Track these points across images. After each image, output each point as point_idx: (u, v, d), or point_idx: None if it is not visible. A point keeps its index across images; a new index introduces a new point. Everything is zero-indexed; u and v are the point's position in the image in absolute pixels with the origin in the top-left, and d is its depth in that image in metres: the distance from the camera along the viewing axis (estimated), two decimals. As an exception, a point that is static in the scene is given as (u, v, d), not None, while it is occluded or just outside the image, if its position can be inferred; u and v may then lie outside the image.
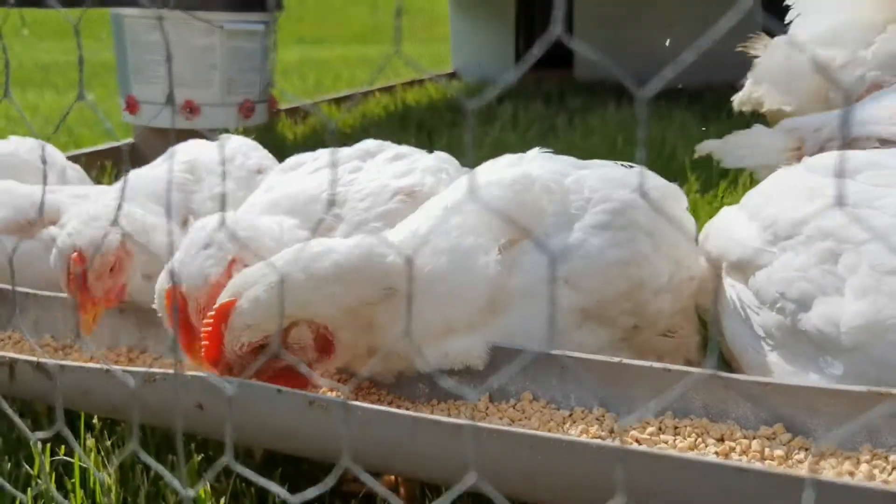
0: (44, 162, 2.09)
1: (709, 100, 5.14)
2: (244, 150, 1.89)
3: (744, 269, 1.29)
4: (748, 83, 2.58)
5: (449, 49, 7.51)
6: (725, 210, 1.49)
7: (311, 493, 0.57)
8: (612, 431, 1.02)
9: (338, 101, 5.36)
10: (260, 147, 1.95)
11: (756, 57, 2.48)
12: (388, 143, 1.68)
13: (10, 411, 0.86)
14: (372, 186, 1.49)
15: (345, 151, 1.64)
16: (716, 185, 3.02)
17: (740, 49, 2.57)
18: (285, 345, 1.09)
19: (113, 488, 1.30)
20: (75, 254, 1.45)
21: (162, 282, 1.31)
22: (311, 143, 4.22)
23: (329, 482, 0.57)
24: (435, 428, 0.87)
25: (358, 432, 0.91)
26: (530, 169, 1.29)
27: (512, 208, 1.22)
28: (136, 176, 1.77)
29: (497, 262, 1.18)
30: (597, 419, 1.04)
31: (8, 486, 1.17)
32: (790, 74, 2.32)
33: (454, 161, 1.68)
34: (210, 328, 1.09)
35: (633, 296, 1.20)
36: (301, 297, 1.08)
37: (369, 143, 1.66)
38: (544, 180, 1.26)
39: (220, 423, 1.07)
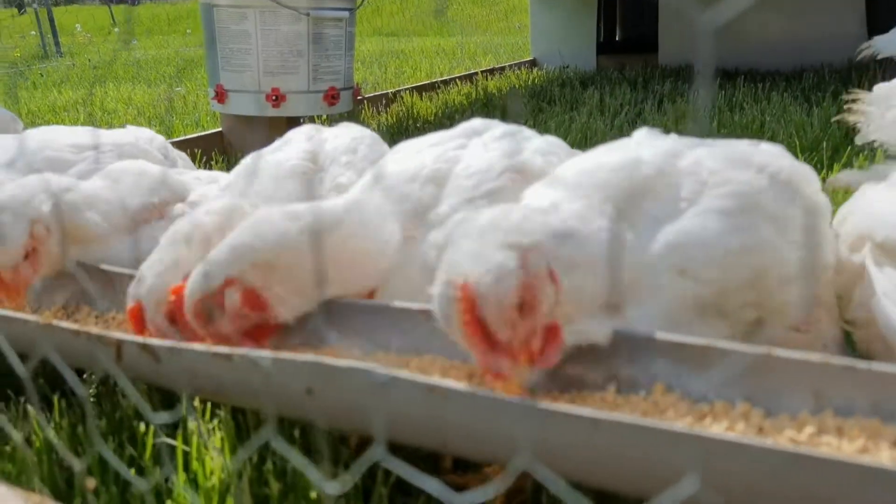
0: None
1: (808, 81, 4.87)
2: (368, 141, 1.77)
3: (892, 249, 1.16)
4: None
5: (526, 39, 7.39)
6: (867, 187, 1.36)
7: (477, 497, 0.49)
8: (760, 430, 0.92)
9: (419, 90, 5.33)
10: (381, 140, 1.83)
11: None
12: (494, 122, 1.60)
13: (136, 395, 0.82)
14: (479, 163, 1.41)
15: (450, 131, 1.57)
16: (828, 167, 2.82)
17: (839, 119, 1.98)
18: (222, 311, 1.22)
19: (216, 472, 1.27)
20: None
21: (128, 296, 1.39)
22: (395, 131, 4.20)
23: (501, 487, 0.49)
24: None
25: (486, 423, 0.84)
26: (640, 152, 1.19)
27: (619, 193, 1.13)
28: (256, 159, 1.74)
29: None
30: (741, 415, 0.94)
31: (114, 460, 1.15)
32: None
33: (564, 145, 1.58)
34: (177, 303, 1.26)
35: (755, 286, 1.08)
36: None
37: (475, 122, 1.59)
38: (656, 163, 1.16)
39: (329, 409, 1.02)
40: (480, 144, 1.50)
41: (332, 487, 0.53)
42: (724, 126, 3.71)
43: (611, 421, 0.79)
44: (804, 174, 1.35)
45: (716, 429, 0.93)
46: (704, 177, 1.16)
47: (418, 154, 1.51)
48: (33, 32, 11.79)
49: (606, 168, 1.18)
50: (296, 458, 0.63)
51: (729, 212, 1.11)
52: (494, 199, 1.34)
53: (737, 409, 0.95)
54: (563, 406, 0.78)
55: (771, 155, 1.27)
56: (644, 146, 1.26)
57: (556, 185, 1.18)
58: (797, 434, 0.89)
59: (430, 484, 0.53)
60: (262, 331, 1.29)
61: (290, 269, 1.25)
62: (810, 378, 0.92)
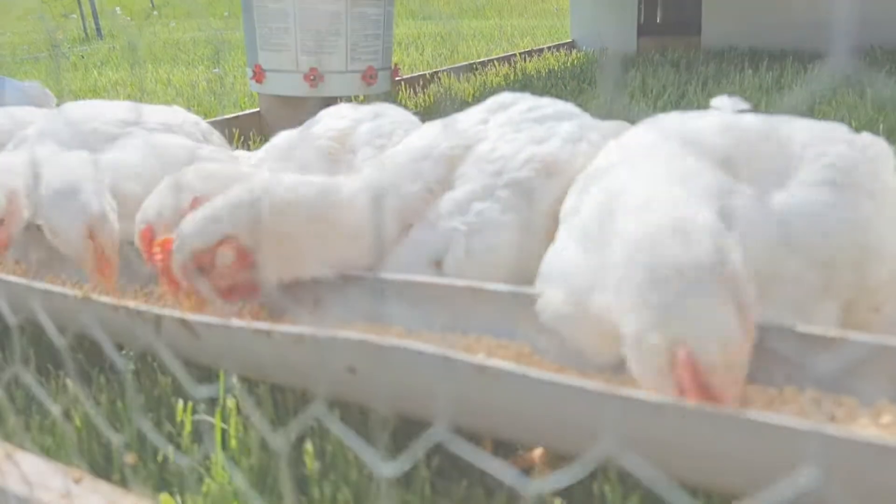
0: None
1: (859, 62, 4.70)
2: (406, 125, 1.71)
3: None
4: None
5: (563, 21, 7.26)
6: None
7: (551, 484, 0.45)
8: (833, 418, 0.86)
9: (457, 72, 5.26)
10: (418, 123, 1.76)
11: None
12: (525, 95, 1.52)
13: (178, 367, 0.80)
14: (505, 149, 1.34)
15: (478, 105, 1.51)
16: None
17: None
18: (214, 266, 1.25)
19: (254, 451, 1.25)
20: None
21: (137, 221, 1.48)
22: (432, 112, 4.15)
23: (580, 474, 0.45)
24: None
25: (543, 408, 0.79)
26: (738, 116, 1.12)
27: (729, 156, 1.05)
28: (283, 138, 1.72)
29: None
30: (812, 400, 0.88)
31: (155, 436, 1.13)
32: None
33: (601, 124, 1.49)
34: (162, 256, 1.27)
35: (859, 265, 1.01)
36: None
37: (504, 97, 1.52)
38: (762, 128, 1.09)
39: (373, 389, 0.98)
40: (506, 120, 1.43)
41: (389, 469, 0.49)
42: (771, 107, 3.59)
43: (677, 406, 0.74)
44: (886, 151, 1.28)
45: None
46: (798, 149, 1.09)
47: (433, 130, 1.45)
48: (74, 15, 11.94)
49: (709, 131, 1.11)
50: (350, 438, 0.59)
51: (833, 184, 1.04)
52: (515, 190, 1.28)
53: (806, 393, 0.89)
54: (642, 393, 0.73)
55: (848, 131, 1.20)
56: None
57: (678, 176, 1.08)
58: (873, 423, 0.83)
59: (495, 466, 0.48)
60: (239, 291, 1.32)
61: (284, 234, 1.25)
62: (888, 364, 0.86)
